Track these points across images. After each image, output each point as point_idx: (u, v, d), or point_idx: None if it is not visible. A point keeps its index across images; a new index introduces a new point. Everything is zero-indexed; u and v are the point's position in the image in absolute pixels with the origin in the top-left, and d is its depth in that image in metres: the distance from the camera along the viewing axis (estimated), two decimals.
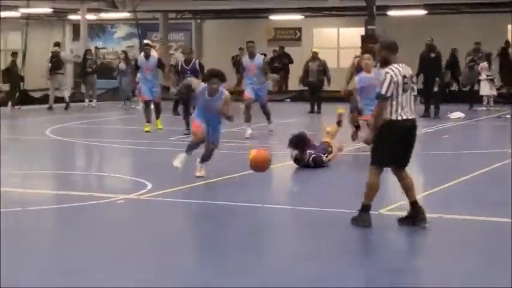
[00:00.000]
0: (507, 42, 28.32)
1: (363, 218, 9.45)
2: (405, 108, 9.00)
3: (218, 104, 11.72)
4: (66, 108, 26.88)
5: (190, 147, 12.39)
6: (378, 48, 9.53)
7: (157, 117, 19.37)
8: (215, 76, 11.62)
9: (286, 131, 19.91)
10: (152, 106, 20.03)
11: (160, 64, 20.68)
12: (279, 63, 30.57)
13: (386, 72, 8.89)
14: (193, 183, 12.40)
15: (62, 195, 11.90)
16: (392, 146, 9.06)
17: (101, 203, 11.13)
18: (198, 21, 33.74)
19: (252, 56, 19.37)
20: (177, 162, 12.27)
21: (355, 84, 14.77)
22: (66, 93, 27.51)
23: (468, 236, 9.30)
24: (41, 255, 8.72)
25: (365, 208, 9.42)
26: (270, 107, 19.67)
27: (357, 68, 16.52)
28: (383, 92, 8.91)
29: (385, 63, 9.19)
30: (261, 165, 11.41)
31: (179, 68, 18.91)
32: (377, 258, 8.64)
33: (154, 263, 8.21)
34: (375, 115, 9.23)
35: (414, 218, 9.32)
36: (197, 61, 18.91)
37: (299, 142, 14.76)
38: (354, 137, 15.45)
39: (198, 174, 12.10)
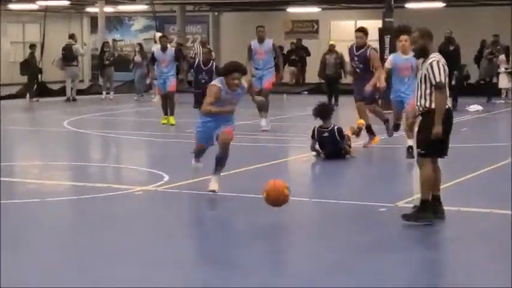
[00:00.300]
0: None
1: (423, 215, 9.15)
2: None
3: (239, 98, 10.18)
4: (73, 100, 27.43)
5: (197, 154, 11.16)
6: (417, 36, 9.09)
7: (171, 113, 19.41)
8: (236, 70, 9.87)
9: (303, 123, 20.04)
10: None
11: (177, 56, 20.62)
12: (296, 56, 30.89)
13: (438, 60, 8.82)
14: (210, 175, 11.93)
15: (80, 187, 11.94)
16: (447, 135, 8.96)
17: (118, 194, 11.27)
18: (216, 13, 33.84)
19: (261, 40, 19.22)
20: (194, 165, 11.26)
21: (386, 64, 14.25)
22: (75, 86, 27.64)
23: (486, 228, 9.23)
24: (59, 247, 8.80)
25: (425, 203, 9.17)
26: (271, 99, 19.17)
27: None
28: (442, 79, 8.82)
29: (423, 51, 9.00)
30: (277, 200, 9.17)
31: (195, 65, 18.93)
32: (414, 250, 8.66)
33: (172, 254, 8.23)
34: (440, 106, 8.92)
35: (435, 211, 9.22)
36: (214, 63, 18.56)
37: (323, 111, 14.89)
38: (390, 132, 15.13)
39: (211, 188, 10.42)
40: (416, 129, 10.04)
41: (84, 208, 10.71)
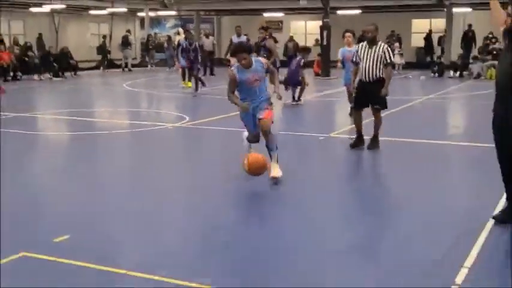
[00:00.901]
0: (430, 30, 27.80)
1: (377, 145, 8.59)
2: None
3: (261, 74, 6.96)
4: (129, 70, 27.35)
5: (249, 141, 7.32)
6: (373, 29, 8.41)
7: (189, 79, 18.35)
8: (238, 50, 6.93)
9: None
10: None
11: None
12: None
13: (388, 47, 8.51)
14: (217, 116, 12.17)
15: (134, 124, 12.01)
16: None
17: (158, 128, 11.23)
18: (218, 17, 33.74)
19: (238, 35, 18.99)
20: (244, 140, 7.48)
21: (338, 55, 12.59)
22: (130, 62, 28.02)
23: (406, 152, 8.81)
24: (124, 160, 9.06)
25: (377, 137, 8.62)
26: None
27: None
28: (393, 59, 8.73)
29: (374, 40, 8.40)
30: (258, 171, 6.55)
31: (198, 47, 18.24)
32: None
33: (197, 169, 8.11)
34: (390, 76, 8.51)
35: (365, 143, 8.73)
36: (197, 43, 17.31)
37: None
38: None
39: (272, 174, 6.76)
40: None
41: (137, 136, 10.65)
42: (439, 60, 24.53)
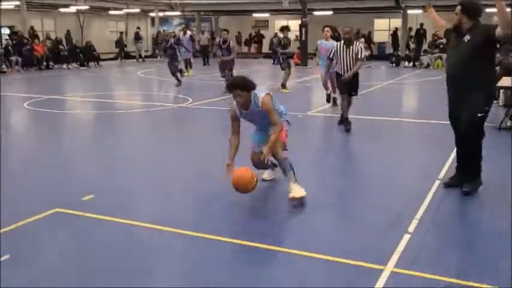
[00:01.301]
0: (396, 28, 27.35)
1: (350, 126, 8.30)
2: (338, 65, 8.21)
3: (259, 117, 4.87)
4: (143, 60, 27.10)
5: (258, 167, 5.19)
6: (351, 31, 8.15)
7: (191, 68, 18.32)
8: (235, 87, 4.76)
9: (262, 67, 19.71)
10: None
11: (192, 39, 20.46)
12: (257, 38, 30.72)
13: (362, 46, 8.27)
14: (214, 98, 12.10)
15: (147, 104, 11.85)
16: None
17: (167, 108, 11.18)
18: (216, 17, 33.43)
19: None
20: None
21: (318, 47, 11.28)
22: (142, 53, 27.79)
23: (368, 127, 8.76)
24: (140, 137, 8.83)
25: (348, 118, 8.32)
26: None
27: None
28: (364, 56, 8.31)
29: (351, 40, 8.07)
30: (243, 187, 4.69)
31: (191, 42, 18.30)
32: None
33: (201, 140, 8.07)
34: (360, 69, 8.14)
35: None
36: (172, 40, 15.00)
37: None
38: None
39: (264, 176, 5.48)
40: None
41: (150, 114, 10.57)
42: (396, 53, 24.56)
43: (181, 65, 15.93)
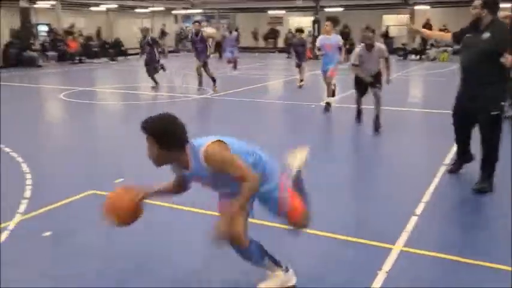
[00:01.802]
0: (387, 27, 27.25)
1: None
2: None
3: (201, 172, 2.58)
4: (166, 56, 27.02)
5: None
6: (372, 36, 7.10)
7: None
8: (147, 131, 2.62)
9: (278, 60, 19.36)
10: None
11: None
12: (272, 34, 30.57)
13: (383, 46, 7.41)
14: (231, 90, 12.11)
15: (171, 95, 11.87)
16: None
17: (191, 99, 11.17)
18: (234, 13, 33.30)
19: (231, 32, 18.21)
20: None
21: (317, 43, 9.74)
22: (166, 49, 27.75)
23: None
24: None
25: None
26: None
27: None
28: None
29: (372, 45, 7.14)
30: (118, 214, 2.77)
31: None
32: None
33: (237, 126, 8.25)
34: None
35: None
36: (149, 38, 12.98)
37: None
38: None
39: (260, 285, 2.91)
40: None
41: (174, 105, 10.58)
42: (403, 47, 24.22)
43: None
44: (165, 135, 2.54)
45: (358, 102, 7.91)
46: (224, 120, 8.84)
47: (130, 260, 3.39)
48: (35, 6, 22.09)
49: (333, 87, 9.56)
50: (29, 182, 5.01)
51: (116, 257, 3.46)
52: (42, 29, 23.66)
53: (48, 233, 3.79)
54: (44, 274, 3.21)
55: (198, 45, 12.06)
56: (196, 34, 12.18)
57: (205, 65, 12.08)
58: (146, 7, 28.11)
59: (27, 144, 6.72)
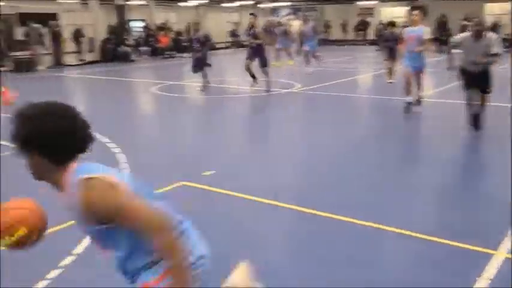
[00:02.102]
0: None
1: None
2: None
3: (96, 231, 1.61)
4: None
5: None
6: (482, 23, 6.39)
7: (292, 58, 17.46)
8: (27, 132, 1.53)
9: (368, 54, 18.71)
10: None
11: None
12: (362, 26, 29.83)
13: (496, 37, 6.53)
14: (320, 84, 12.02)
15: (258, 89, 11.56)
16: None
17: (281, 92, 11.03)
18: (321, 6, 32.93)
19: (306, 22, 15.57)
20: None
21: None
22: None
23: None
24: (255, 118, 9.23)
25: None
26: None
27: None
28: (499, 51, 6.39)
29: (481, 33, 6.26)
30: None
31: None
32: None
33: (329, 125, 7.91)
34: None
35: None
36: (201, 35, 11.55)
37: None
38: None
39: None
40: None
41: (260, 99, 10.55)
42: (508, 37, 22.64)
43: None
44: (47, 136, 1.56)
45: (471, 100, 6.67)
46: (310, 115, 8.79)
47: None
48: (129, 3, 23.34)
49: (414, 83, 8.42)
50: (125, 171, 5.25)
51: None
52: (137, 25, 24.98)
53: None
54: None
55: (251, 42, 10.99)
56: (250, 28, 11.09)
57: (253, 63, 10.90)
58: (234, 0, 28.62)
59: (123, 135, 7.07)
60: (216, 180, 4.93)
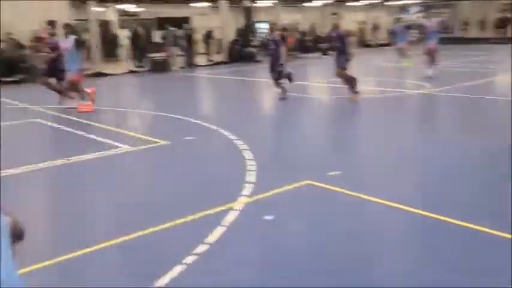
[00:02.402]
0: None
1: None
2: None
3: None
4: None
5: None
6: None
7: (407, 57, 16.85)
8: None
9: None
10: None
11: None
12: (503, 23, 27.59)
13: None
14: (454, 84, 11.53)
15: (383, 90, 11.36)
16: None
17: (406, 93, 10.81)
18: (456, 2, 30.81)
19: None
20: None
21: None
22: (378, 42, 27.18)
23: None
24: (387, 119, 8.97)
25: None
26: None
27: None
28: None
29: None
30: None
31: None
32: None
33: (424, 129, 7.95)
34: None
35: None
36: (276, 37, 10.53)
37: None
38: None
39: None
40: None
41: (389, 100, 10.22)
42: None
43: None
44: None
45: None
46: (442, 118, 8.47)
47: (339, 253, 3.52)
48: (256, 5, 24.15)
49: None
50: (252, 168, 5.48)
51: (326, 248, 3.60)
52: (262, 26, 25.73)
53: (270, 217, 4.11)
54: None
55: (337, 44, 9.82)
56: (334, 29, 10.09)
57: (343, 69, 9.86)
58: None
59: (249, 133, 7.31)
60: (341, 181, 4.95)
